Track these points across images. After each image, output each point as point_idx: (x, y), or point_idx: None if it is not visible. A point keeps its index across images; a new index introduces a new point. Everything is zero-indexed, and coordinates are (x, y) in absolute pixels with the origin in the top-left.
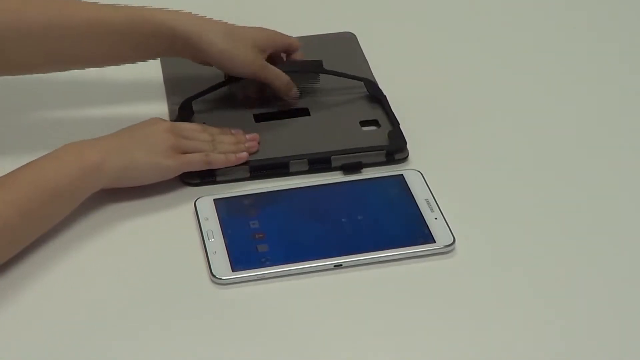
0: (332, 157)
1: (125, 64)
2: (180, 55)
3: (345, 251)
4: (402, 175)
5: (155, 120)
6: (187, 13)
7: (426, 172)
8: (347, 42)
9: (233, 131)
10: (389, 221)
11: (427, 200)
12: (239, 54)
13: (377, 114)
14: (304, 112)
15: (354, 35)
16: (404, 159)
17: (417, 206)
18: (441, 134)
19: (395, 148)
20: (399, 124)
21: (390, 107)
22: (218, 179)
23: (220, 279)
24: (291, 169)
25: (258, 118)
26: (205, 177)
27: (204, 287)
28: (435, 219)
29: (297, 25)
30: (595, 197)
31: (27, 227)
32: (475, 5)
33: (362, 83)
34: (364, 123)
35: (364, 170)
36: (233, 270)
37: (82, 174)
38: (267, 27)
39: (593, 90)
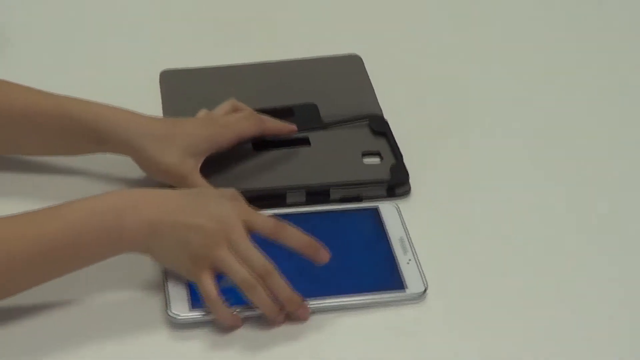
0: (331, 189)
1: (67, 155)
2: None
3: (307, 293)
4: (376, 208)
5: (231, 206)
6: (120, 111)
7: (428, 207)
8: (352, 64)
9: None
10: (358, 261)
11: (401, 239)
12: (165, 161)
13: (380, 145)
14: (304, 141)
15: (360, 57)
16: (406, 192)
17: (390, 246)
18: (446, 165)
19: (396, 182)
20: (402, 157)
21: (394, 139)
22: None
23: (177, 316)
24: (288, 200)
25: (257, 146)
26: None
27: (158, 325)
28: (408, 262)
29: (302, 47)
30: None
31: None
32: (484, 27)
33: (367, 120)
34: (366, 154)
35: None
36: (191, 309)
37: (105, 241)
38: (241, 100)
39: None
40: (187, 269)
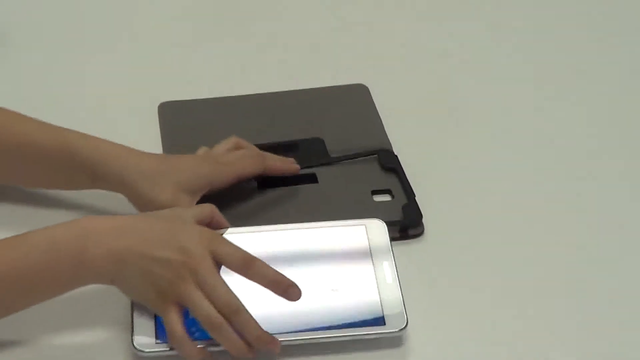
0: None
1: (61, 189)
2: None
3: (279, 327)
4: (364, 225)
5: (200, 237)
6: (117, 146)
7: (442, 248)
8: (359, 94)
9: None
10: (336, 291)
11: (387, 263)
12: (157, 198)
13: (390, 182)
14: (311, 178)
15: (366, 87)
16: (419, 234)
17: (374, 273)
18: (459, 200)
19: (410, 223)
20: (414, 195)
21: (405, 175)
22: None
23: (142, 351)
24: None
25: (262, 184)
26: None
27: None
28: (391, 292)
29: (309, 77)
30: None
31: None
32: (491, 55)
33: (376, 154)
34: (376, 192)
35: None
36: (157, 342)
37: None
38: (241, 136)
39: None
40: (153, 302)
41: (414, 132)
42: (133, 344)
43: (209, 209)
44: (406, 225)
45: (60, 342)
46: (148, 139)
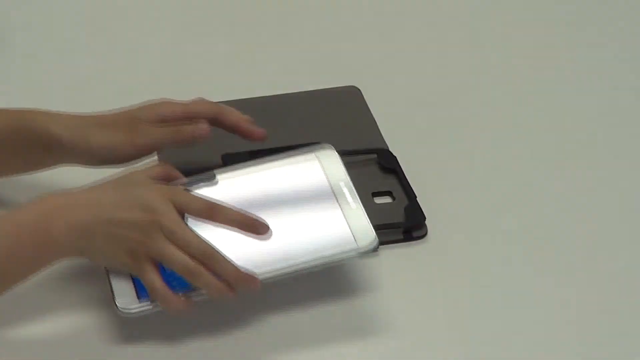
0: None
1: (19, 174)
2: (63, 161)
3: (255, 266)
4: (316, 157)
5: (160, 192)
6: (64, 115)
7: (445, 248)
8: (351, 96)
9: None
10: (303, 221)
11: (345, 187)
12: (117, 140)
13: (390, 184)
14: None
15: (358, 90)
16: (423, 236)
17: (335, 197)
18: (457, 200)
19: (413, 225)
20: (415, 197)
21: (405, 177)
22: None
23: (128, 311)
24: None
25: None
26: None
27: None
28: (355, 212)
29: (301, 80)
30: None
31: None
32: (484, 54)
33: (375, 154)
34: (376, 194)
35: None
36: (139, 301)
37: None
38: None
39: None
40: (127, 265)
41: (407, 134)
42: (117, 307)
43: (161, 166)
44: (410, 227)
45: (44, 325)
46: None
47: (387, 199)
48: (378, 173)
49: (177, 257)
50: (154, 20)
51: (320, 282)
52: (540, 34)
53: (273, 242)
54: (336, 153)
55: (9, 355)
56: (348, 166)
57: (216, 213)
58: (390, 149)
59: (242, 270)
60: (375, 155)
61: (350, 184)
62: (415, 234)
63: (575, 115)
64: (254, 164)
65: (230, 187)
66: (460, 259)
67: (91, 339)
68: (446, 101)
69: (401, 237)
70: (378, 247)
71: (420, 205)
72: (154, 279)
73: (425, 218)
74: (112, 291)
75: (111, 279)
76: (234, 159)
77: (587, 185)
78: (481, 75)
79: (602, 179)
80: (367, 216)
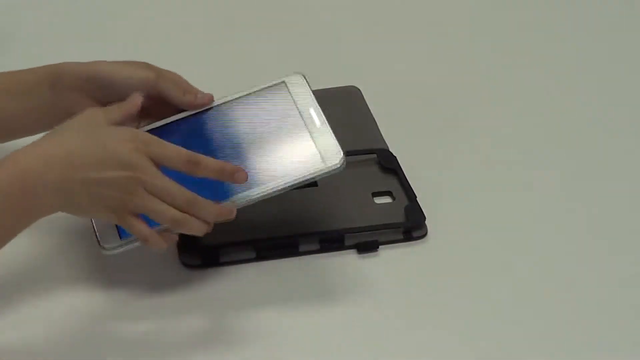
0: (346, 235)
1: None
2: (65, 93)
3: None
4: (283, 82)
5: (118, 130)
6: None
7: (445, 248)
8: (351, 96)
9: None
10: (274, 145)
11: (313, 111)
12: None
13: (390, 184)
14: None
15: (358, 89)
16: (423, 235)
17: (303, 120)
18: (457, 200)
19: (413, 225)
20: (415, 197)
21: (405, 177)
22: (221, 260)
23: (111, 249)
24: (301, 248)
25: None
26: (207, 259)
27: None
28: (323, 132)
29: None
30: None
31: None
32: (484, 55)
33: (375, 154)
34: (376, 194)
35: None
36: (122, 239)
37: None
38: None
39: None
40: (109, 219)
41: (407, 134)
42: (103, 248)
43: (120, 108)
44: (410, 227)
45: (36, 276)
46: None
47: (387, 199)
48: (378, 173)
49: (163, 211)
50: (155, 20)
51: (321, 281)
52: (540, 36)
53: (246, 169)
54: (304, 79)
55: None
56: (347, 165)
57: (198, 166)
58: (390, 149)
59: (220, 206)
60: (375, 155)
61: (319, 108)
62: (415, 234)
63: (576, 113)
64: (224, 98)
65: (201, 122)
66: (460, 259)
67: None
68: (446, 101)
69: (401, 237)
70: (345, 164)
71: (420, 205)
72: (140, 227)
73: (425, 218)
74: (95, 233)
75: (94, 223)
76: None
77: (588, 183)
78: (482, 75)
79: (603, 178)
80: (334, 136)
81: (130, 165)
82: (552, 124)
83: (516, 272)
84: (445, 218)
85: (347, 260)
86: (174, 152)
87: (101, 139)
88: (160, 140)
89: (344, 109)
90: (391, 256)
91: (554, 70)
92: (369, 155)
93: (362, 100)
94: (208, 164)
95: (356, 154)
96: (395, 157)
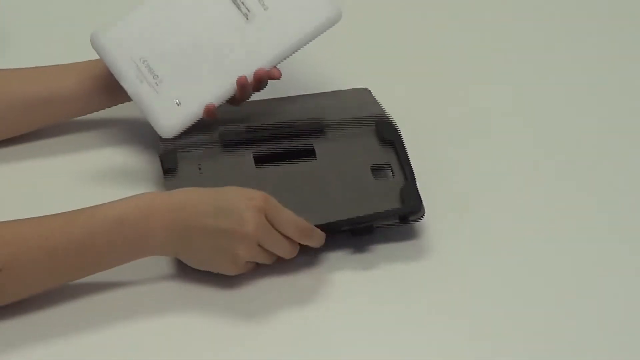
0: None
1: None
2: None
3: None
4: None
5: (242, 189)
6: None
7: (441, 230)
8: (363, 96)
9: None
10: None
11: None
12: None
13: (390, 157)
14: (310, 152)
15: (369, 90)
16: (419, 218)
17: None
18: (459, 197)
19: (409, 210)
20: (414, 178)
21: (405, 151)
22: None
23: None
24: None
25: (258, 160)
26: None
27: None
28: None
29: (312, 83)
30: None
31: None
32: (489, 53)
33: (374, 124)
34: (375, 168)
35: None
36: None
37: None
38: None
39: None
40: (224, 268)
41: (420, 135)
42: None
43: (263, 201)
44: (406, 212)
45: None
46: (149, 140)
47: (386, 175)
48: (378, 143)
49: (273, 257)
50: None
51: (320, 281)
52: (543, 32)
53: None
54: None
55: None
56: (348, 136)
57: (309, 238)
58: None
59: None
60: (374, 127)
61: None
62: (411, 219)
63: (581, 110)
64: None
65: None
66: (460, 256)
67: None
68: (454, 104)
69: (397, 221)
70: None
71: (418, 187)
72: (261, 259)
73: (421, 202)
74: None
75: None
76: (231, 136)
77: (589, 183)
78: (485, 74)
79: (607, 177)
80: None
81: (246, 222)
82: (558, 117)
83: (515, 271)
84: (445, 217)
85: (343, 255)
86: (290, 220)
87: (221, 191)
88: (278, 204)
89: (355, 103)
90: (389, 251)
91: (559, 66)
92: (370, 126)
93: (373, 99)
94: (319, 237)
95: (354, 123)
96: (395, 128)
